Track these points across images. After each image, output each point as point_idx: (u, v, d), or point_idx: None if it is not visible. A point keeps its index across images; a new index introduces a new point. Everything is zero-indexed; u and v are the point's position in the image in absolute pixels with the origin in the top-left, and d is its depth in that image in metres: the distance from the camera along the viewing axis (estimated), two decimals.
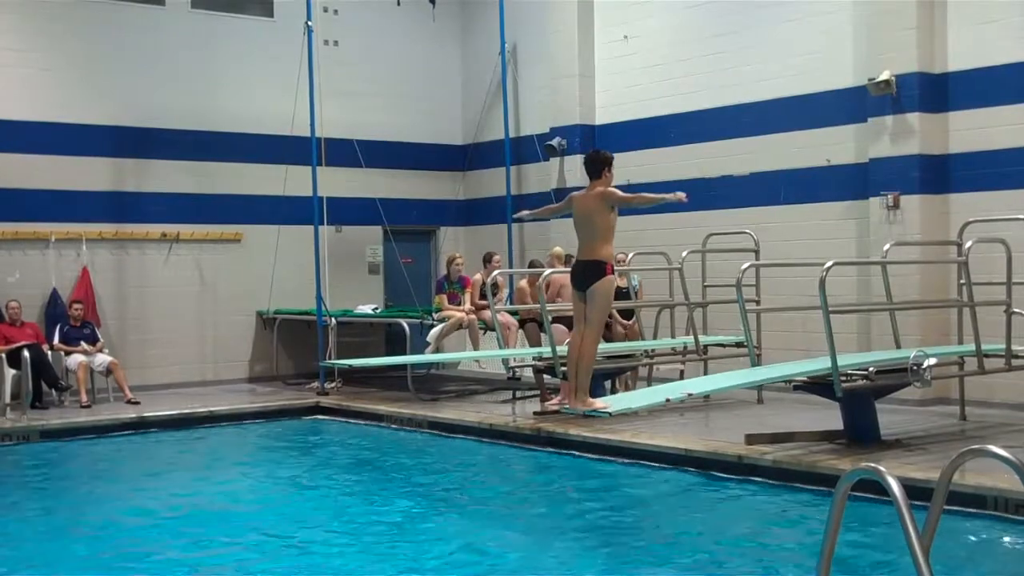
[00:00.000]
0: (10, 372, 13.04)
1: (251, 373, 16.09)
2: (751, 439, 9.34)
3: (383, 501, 8.75)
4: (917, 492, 5.41)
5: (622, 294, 12.89)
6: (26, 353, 12.77)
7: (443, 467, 10.60)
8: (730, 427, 10.29)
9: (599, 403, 9.11)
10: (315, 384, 14.63)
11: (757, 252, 12.29)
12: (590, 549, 7.14)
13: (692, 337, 12.11)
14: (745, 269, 9.92)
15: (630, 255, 13.02)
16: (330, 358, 14.30)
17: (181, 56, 15.46)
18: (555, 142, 15.75)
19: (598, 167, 9.40)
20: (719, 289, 12.09)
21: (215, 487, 9.45)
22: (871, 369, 9.07)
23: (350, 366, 13.45)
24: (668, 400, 8.96)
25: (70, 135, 14.59)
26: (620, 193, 9.52)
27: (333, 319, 14.81)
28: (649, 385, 12.87)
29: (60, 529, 7.97)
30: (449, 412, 12.41)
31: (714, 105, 14.12)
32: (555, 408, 11.78)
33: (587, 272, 9.13)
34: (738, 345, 11.87)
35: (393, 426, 12.49)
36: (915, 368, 8.90)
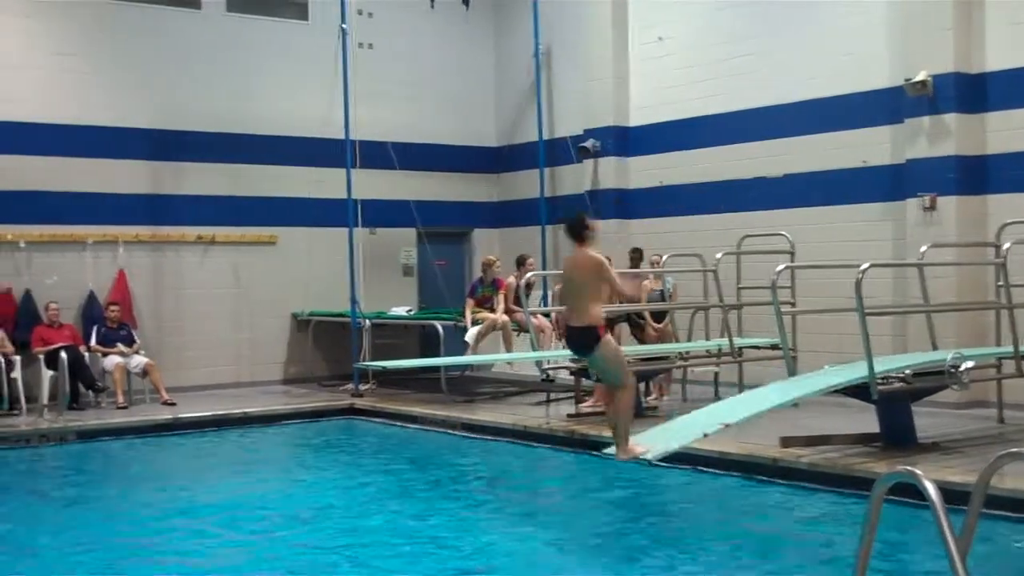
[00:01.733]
0: (48, 373, 13.18)
1: (286, 375, 16.18)
2: (786, 442, 9.30)
3: (416, 502, 8.75)
4: (954, 496, 5.35)
5: (655, 296, 12.88)
6: (63, 354, 12.89)
7: (477, 469, 10.62)
8: (765, 430, 10.19)
9: (639, 448, 8.71)
10: (349, 386, 14.68)
11: (792, 254, 12.23)
12: (624, 550, 7.12)
13: (727, 339, 12.05)
14: (780, 271, 9.86)
15: (664, 257, 12.97)
16: (364, 360, 14.34)
17: (216, 59, 15.58)
18: (589, 144, 15.71)
19: (577, 231, 8.32)
20: (754, 291, 12.01)
21: (249, 488, 9.49)
22: (908, 372, 9.00)
23: (384, 368, 13.48)
24: (706, 435, 8.48)
25: (107, 138, 14.72)
26: (615, 279, 8.41)
27: (367, 321, 14.86)
28: (683, 387, 12.88)
29: (94, 528, 8.02)
30: (483, 414, 12.42)
31: (749, 106, 14.04)
32: (589, 410, 11.78)
33: (583, 339, 8.57)
34: (773, 347, 11.79)
35: (427, 428, 12.51)
36: (952, 371, 8.82)
